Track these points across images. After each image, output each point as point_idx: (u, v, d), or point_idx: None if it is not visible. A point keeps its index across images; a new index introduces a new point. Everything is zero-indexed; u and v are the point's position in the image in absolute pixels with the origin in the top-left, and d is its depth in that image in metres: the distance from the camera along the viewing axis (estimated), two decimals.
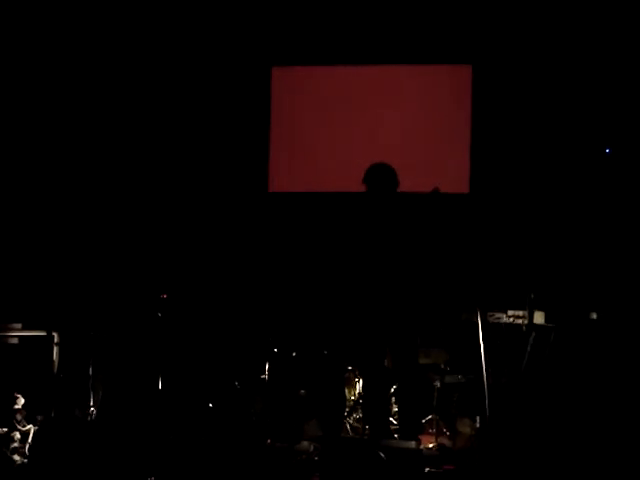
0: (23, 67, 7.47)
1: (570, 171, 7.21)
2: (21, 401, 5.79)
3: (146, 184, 7.66)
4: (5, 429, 5.62)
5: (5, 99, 7.40)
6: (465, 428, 6.15)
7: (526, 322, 5.92)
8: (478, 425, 5.95)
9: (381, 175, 5.63)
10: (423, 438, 5.86)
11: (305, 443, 5.90)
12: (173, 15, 7.69)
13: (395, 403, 6.14)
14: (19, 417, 5.70)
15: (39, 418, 5.82)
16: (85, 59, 7.63)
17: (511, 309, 6.12)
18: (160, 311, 6.47)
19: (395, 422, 6.04)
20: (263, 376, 6.51)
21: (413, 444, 4.94)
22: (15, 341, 6.23)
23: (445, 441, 6.07)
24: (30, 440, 5.53)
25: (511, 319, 6.07)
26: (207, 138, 7.80)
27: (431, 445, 6.00)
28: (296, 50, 7.78)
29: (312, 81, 7.85)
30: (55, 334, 6.23)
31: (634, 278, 6.59)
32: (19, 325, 6.26)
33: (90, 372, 6.25)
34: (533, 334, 5.88)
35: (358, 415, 6.34)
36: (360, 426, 6.19)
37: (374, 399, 5.67)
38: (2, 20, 7.36)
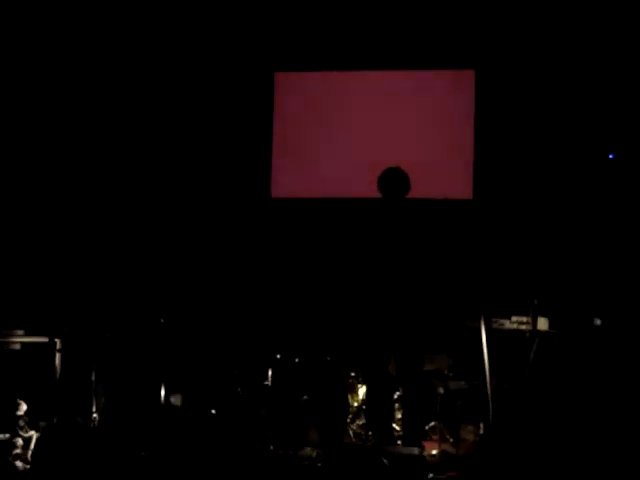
0: (23, 67, 7.48)
1: (574, 177, 7.20)
2: (23, 407, 5.79)
3: (149, 189, 7.66)
4: (7, 435, 5.61)
5: (5, 99, 7.41)
6: (468, 434, 6.13)
7: (530, 328, 5.89)
8: (481, 431, 5.94)
9: (395, 180, 5.63)
10: (426, 444, 5.84)
11: (308, 449, 5.90)
12: (177, 21, 7.70)
13: (398, 409, 6.12)
14: (21, 423, 5.69)
15: (41, 424, 5.82)
16: (89, 63, 7.65)
17: (515, 315, 6.10)
18: (163, 317, 6.47)
19: (398, 428, 6.02)
20: (266, 382, 6.50)
21: (416, 450, 4.93)
22: (17, 347, 6.23)
23: (448, 448, 6.05)
24: (32, 446, 5.52)
25: (515, 325, 6.03)
26: (210, 143, 7.80)
27: (434, 451, 5.98)
28: (299, 56, 7.78)
29: (315, 87, 7.85)
30: (57, 340, 6.23)
31: (638, 284, 6.58)
32: (22, 331, 6.26)
33: (92, 378, 6.25)
34: (537, 340, 5.86)
35: (361, 421, 6.32)
36: (363, 432, 6.17)
37: (377, 405, 5.66)
38: (2, 20, 7.38)
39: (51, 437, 5.25)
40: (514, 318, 6.08)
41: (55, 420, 5.96)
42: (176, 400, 6.40)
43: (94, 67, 7.66)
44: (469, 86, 7.55)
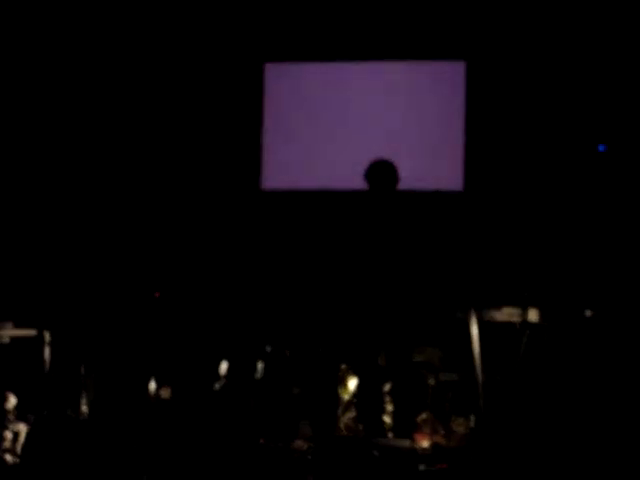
0: (23, 67, 7.44)
1: (564, 168, 7.21)
2: (12, 400, 5.76)
3: (137, 182, 7.63)
4: None
5: (5, 99, 7.37)
6: (459, 427, 6.13)
7: (520, 320, 5.90)
8: (472, 424, 5.94)
9: (383, 172, 5.61)
10: (417, 437, 5.85)
11: (299, 442, 5.88)
12: (165, 12, 7.66)
13: (389, 402, 6.12)
14: (10, 417, 5.66)
15: (31, 418, 5.80)
16: (80, 56, 7.61)
17: (505, 306, 6.10)
18: (153, 309, 6.45)
19: (389, 420, 6.02)
20: (256, 375, 6.49)
21: (407, 442, 4.95)
22: (6, 340, 6.20)
23: (439, 439, 6.05)
24: (22, 440, 5.50)
25: (505, 317, 6.04)
26: (199, 135, 7.78)
27: (425, 444, 5.98)
28: (289, 46, 7.76)
29: (305, 77, 7.83)
30: (47, 333, 6.20)
31: (629, 275, 6.59)
32: (10, 324, 6.23)
33: (82, 371, 6.23)
34: (527, 332, 5.87)
35: (352, 414, 6.32)
36: (354, 425, 6.17)
37: (368, 397, 5.66)
38: (2, 20, 7.34)
39: (41, 430, 5.23)
40: (505, 309, 6.08)
41: (45, 413, 5.94)
42: (166, 393, 6.38)
43: (85, 60, 7.63)
44: (460, 77, 7.54)
